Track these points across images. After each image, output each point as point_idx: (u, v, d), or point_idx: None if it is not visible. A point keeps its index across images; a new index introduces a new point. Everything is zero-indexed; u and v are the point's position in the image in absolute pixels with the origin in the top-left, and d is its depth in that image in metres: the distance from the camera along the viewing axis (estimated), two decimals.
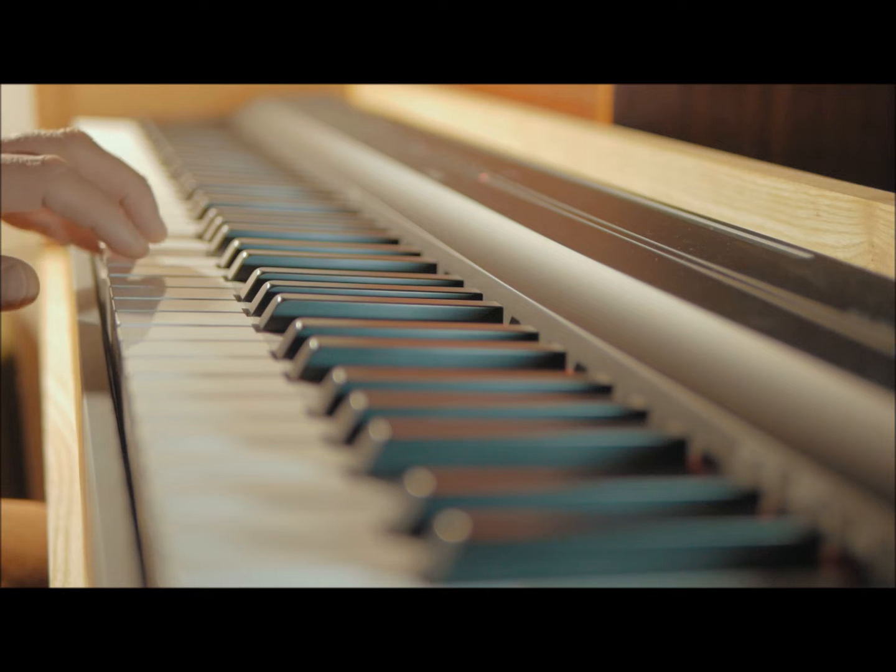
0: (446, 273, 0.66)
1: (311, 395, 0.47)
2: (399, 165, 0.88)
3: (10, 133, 0.67)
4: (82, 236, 0.71)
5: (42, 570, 0.77)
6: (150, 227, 0.68)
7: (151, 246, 0.68)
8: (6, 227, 0.73)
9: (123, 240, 0.65)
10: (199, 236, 0.78)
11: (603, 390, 0.46)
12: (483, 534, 0.33)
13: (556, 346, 0.51)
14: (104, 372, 0.56)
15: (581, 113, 0.94)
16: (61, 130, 0.67)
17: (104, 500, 0.42)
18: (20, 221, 0.72)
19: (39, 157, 0.63)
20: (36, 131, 0.67)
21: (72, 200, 0.63)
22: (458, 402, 0.45)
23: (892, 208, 0.52)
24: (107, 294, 0.62)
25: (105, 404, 0.52)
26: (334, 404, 0.45)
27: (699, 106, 0.89)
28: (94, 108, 1.40)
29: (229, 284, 0.65)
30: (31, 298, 0.62)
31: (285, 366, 0.51)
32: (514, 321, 0.56)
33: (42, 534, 0.78)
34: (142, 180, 0.68)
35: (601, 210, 0.67)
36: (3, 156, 0.62)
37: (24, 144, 0.65)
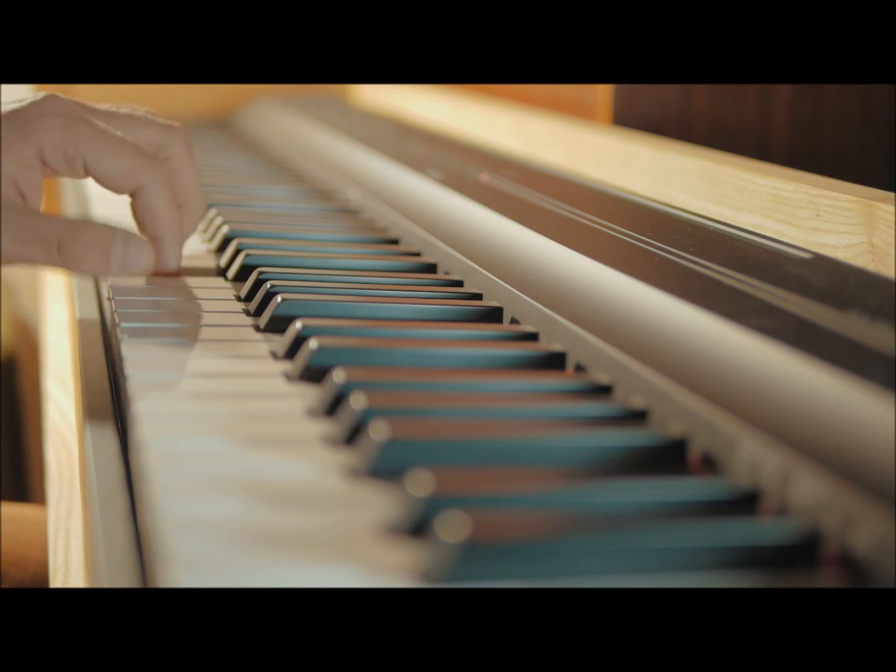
0: (446, 273, 0.66)
1: (311, 395, 0.47)
2: (399, 165, 0.88)
3: None
4: None
5: (43, 574, 0.77)
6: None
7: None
8: None
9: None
10: (199, 235, 0.78)
11: (603, 390, 0.46)
12: (483, 534, 0.33)
13: (556, 346, 0.51)
14: (104, 372, 0.55)
15: (581, 113, 0.94)
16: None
17: (104, 500, 0.42)
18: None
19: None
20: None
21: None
22: (458, 402, 0.45)
23: (892, 208, 0.52)
24: (107, 294, 0.62)
25: (105, 404, 0.52)
26: (334, 404, 0.45)
27: (699, 106, 0.89)
28: None
29: (229, 284, 0.65)
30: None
31: (285, 366, 0.51)
32: (514, 321, 0.56)
33: (43, 538, 0.78)
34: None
35: (601, 210, 0.67)
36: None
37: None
